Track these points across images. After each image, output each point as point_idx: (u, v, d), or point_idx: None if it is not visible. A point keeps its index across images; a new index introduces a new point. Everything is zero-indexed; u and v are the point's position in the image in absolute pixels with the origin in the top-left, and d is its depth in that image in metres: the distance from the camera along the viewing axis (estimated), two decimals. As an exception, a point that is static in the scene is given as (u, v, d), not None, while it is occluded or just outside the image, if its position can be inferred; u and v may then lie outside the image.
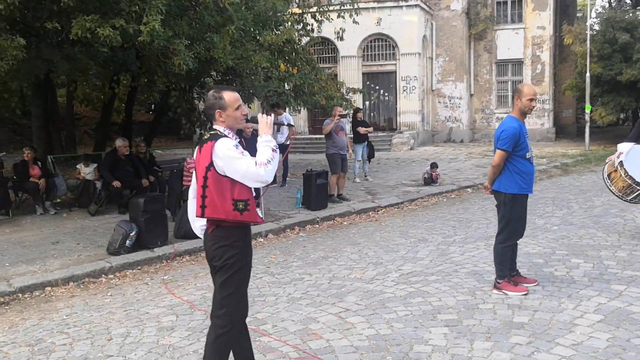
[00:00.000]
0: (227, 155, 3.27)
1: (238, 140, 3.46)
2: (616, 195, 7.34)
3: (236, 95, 3.43)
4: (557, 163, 16.12)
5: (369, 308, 5.20)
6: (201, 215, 3.38)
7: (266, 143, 3.33)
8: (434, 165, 12.99)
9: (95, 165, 10.96)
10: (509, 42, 23.72)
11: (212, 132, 3.43)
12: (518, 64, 23.88)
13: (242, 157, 3.28)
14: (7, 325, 5.41)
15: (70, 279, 6.64)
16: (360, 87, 20.42)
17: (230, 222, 3.35)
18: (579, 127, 25.88)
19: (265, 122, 3.43)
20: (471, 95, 24.22)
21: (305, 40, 16.14)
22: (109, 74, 15.05)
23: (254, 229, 8.57)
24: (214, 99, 3.42)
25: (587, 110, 20.21)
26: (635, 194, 7.18)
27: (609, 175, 7.31)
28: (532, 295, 5.31)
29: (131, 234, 7.53)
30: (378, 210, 10.47)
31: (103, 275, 6.86)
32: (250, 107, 17.46)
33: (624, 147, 7.15)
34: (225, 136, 3.38)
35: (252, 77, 11.46)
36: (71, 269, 6.85)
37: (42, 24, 8.06)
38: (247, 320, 5.08)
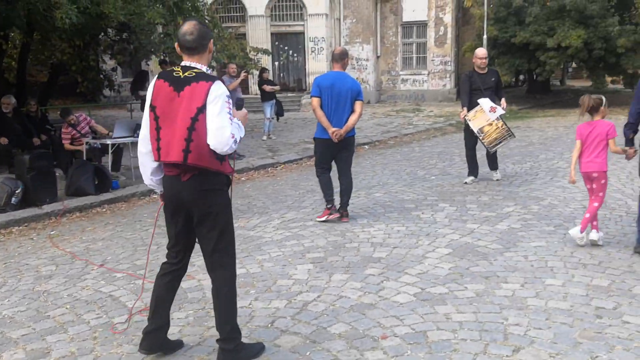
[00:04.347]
0: (221, 101, 3.06)
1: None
2: (486, 147, 8.02)
3: None
4: (453, 121, 16.96)
5: (245, 251, 5.51)
6: (183, 160, 3.10)
7: (239, 127, 3.23)
8: None
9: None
10: (414, 4, 24.31)
11: (196, 71, 3.15)
12: (422, 26, 24.56)
13: (229, 114, 3.09)
14: None
15: (-51, 236, 6.54)
16: (269, 48, 20.50)
17: (209, 170, 3.19)
18: (479, 88, 27.05)
19: (244, 114, 3.47)
20: (378, 57, 24.77)
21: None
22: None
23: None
24: (204, 27, 3.23)
25: (484, 71, 21.19)
26: (501, 143, 7.94)
27: (481, 129, 7.93)
28: (395, 234, 5.82)
29: (16, 191, 7.46)
30: (277, 167, 10.77)
31: (-14, 232, 6.80)
32: (148, 64, 17.26)
33: (485, 102, 7.79)
34: (220, 80, 3.19)
35: (148, 34, 11.35)
36: (-49, 227, 6.75)
37: None
38: (126, 266, 5.34)
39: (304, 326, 3.84)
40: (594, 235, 5.25)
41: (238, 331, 3.41)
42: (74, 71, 13.04)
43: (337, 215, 6.38)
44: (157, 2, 10.80)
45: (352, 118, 6.19)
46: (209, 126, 3.05)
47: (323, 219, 6.39)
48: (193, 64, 3.19)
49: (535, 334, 3.61)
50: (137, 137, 9.02)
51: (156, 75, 3.33)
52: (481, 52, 8.30)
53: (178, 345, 3.63)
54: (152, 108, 3.20)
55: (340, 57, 6.29)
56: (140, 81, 13.77)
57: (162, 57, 12.79)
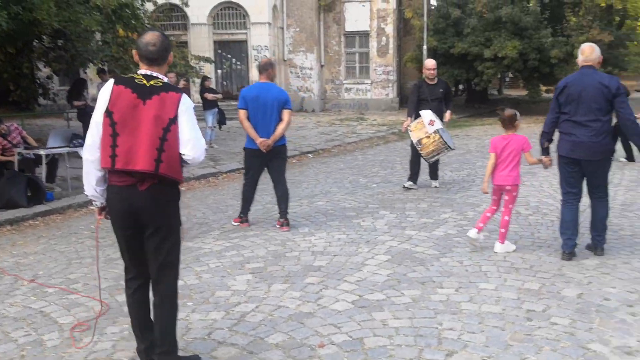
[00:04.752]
0: (192, 113, 3.14)
1: None
2: (424, 157, 8.21)
3: None
4: (395, 130, 17.24)
5: (183, 263, 5.36)
6: (155, 169, 3.04)
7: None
8: None
9: None
10: (356, 14, 24.66)
11: (161, 81, 3.16)
12: (365, 36, 24.92)
13: (197, 124, 3.18)
14: None
15: None
16: (211, 56, 20.34)
17: (171, 180, 3.17)
18: (420, 97, 27.62)
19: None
20: (322, 65, 24.96)
21: (151, 6, 15.76)
22: None
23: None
24: (167, 39, 3.25)
25: (425, 81, 21.68)
26: (438, 155, 8.13)
27: (419, 141, 8.09)
28: (336, 242, 5.86)
29: (-59, 205, 7.11)
30: (218, 176, 10.66)
31: None
32: (86, 72, 16.82)
33: (426, 114, 7.96)
34: (185, 92, 3.24)
35: (85, 41, 11.06)
36: None
37: None
38: (59, 281, 5.16)
39: (242, 337, 3.81)
40: (498, 247, 5.45)
41: (176, 345, 3.37)
42: (5, 79, 12.57)
43: (247, 225, 6.64)
44: (95, 9, 10.55)
45: (280, 127, 6.29)
46: (185, 137, 3.09)
47: (236, 224, 6.68)
48: (155, 74, 3.18)
49: (468, 337, 3.70)
50: (73, 147, 8.72)
51: (111, 80, 3.23)
52: (430, 63, 8.52)
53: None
54: (109, 113, 3.08)
55: (264, 68, 6.41)
56: (77, 90, 13.38)
57: (100, 66, 12.49)
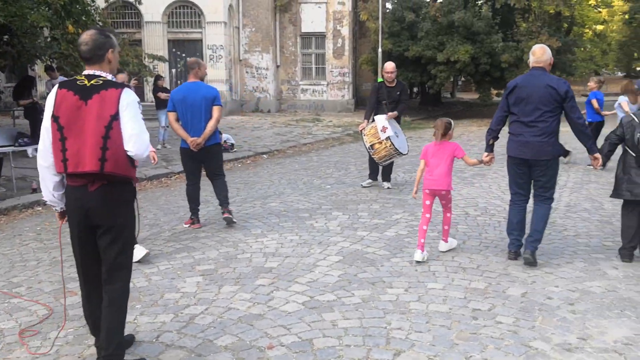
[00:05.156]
0: (134, 108, 3.10)
1: None
2: (376, 162, 8.34)
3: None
4: (351, 131, 17.35)
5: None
6: (100, 169, 3.04)
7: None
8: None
9: None
10: (312, 15, 24.70)
11: (103, 79, 3.14)
12: (321, 37, 25.01)
13: (142, 119, 3.15)
14: None
15: None
16: (165, 55, 20.05)
17: (122, 178, 3.16)
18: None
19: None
20: (277, 66, 24.91)
21: (102, 2, 15.43)
22: None
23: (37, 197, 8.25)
24: (103, 37, 3.19)
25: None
26: (390, 159, 8.27)
27: (372, 146, 8.19)
28: (288, 244, 5.86)
29: None
30: (171, 177, 10.52)
31: None
32: (34, 69, 16.34)
33: (380, 120, 8.09)
34: (129, 87, 3.20)
35: (33, 37, 10.73)
36: None
37: None
38: (0, 284, 4.99)
39: (190, 340, 3.77)
40: (443, 246, 5.57)
41: (122, 347, 3.34)
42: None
43: (198, 226, 6.59)
44: (43, 4, 10.24)
45: (209, 124, 6.29)
46: (126, 133, 3.05)
47: (187, 225, 6.63)
48: (97, 73, 3.18)
49: (415, 337, 3.75)
50: (19, 146, 8.51)
51: (56, 85, 3.24)
52: (389, 66, 8.62)
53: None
54: (55, 118, 3.09)
55: (191, 67, 6.45)
56: (24, 87, 12.98)
57: (48, 63, 12.14)
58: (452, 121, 5.49)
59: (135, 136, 3.06)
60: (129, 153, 3.08)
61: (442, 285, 4.68)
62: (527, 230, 5.32)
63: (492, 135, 5.42)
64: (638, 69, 56.31)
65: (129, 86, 3.26)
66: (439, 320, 4.00)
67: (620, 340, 3.72)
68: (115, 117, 3.05)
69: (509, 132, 5.32)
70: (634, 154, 5.28)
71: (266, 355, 3.54)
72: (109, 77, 3.20)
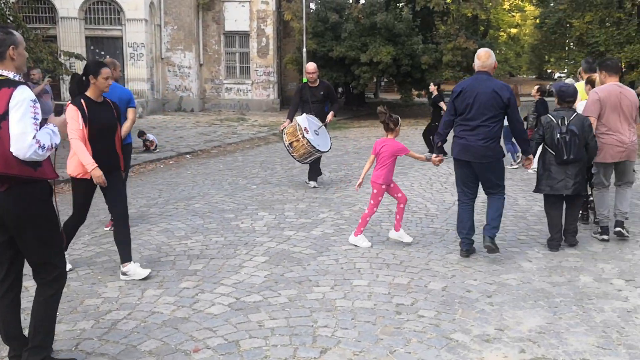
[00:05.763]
0: (23, 107, 2.98)
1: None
2: (297, 160, 8.41)
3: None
4: (276, 131, 17.33)
5: (49, 271, 5.10)
6: None
7: (53, 133, 3.16)
8: (141, 134, 12.88)
9: None
10: (236, 14, 24.46)
11: (2, 77, 3.06)
12: (245, 36, 24.80)
13: (33, 119, 3.00)
14: None
15: None
16: (82, 52, 19.29)
17: (24, 179, 3.07)
18: (302, 98, 28.00)
19: (62, 120, 3.33)
20: (201, 65, 24.51)
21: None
22: None
23: None
24: (2, 34, 3.09)
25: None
26: (311, 157, 8.35)
27: (290, 144, 8.24)
28: (213, 245, 5.79)
29: None
30: (90, 178, 10.13)
31: None
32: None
33: (302, 120, 8.17)
34: (26, 84, 3.08)
35: None
36: None
37: None
38: None
39: (112, 346, 3.66)
40: (393, 234, 5.79)
41: (49, 342, 3.32)
42: None
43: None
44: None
45: (124, 126, 6.15)
46: (11, 132, 2.96)
47: (108, 228, 6.41)
48: (0, 71, 3.10)
49: (341, 334, 3.81)
50: None
51: None
52: (311, 67, 8.73)
53: None
54: None
55: None
56: None
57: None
58: (399, 118, 5.90)
59: (16, 136, 2.96)
60: (13, 153, 2.99)
61: (367, 281, 4.77)
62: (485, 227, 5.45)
63: (441, 139, 5.63)
64: (549, 71, 59.42)
65: (26, 83, 3.16)
66: (364, 317, 4.08)
67: (535, 330, 3.92)
68: (4, 116, 2.98)
69: (454, 135, 5.46)
70: (553, 152, 5.59)
71: (192, 358, 3.49)
72: (11, 75, 3.11)
